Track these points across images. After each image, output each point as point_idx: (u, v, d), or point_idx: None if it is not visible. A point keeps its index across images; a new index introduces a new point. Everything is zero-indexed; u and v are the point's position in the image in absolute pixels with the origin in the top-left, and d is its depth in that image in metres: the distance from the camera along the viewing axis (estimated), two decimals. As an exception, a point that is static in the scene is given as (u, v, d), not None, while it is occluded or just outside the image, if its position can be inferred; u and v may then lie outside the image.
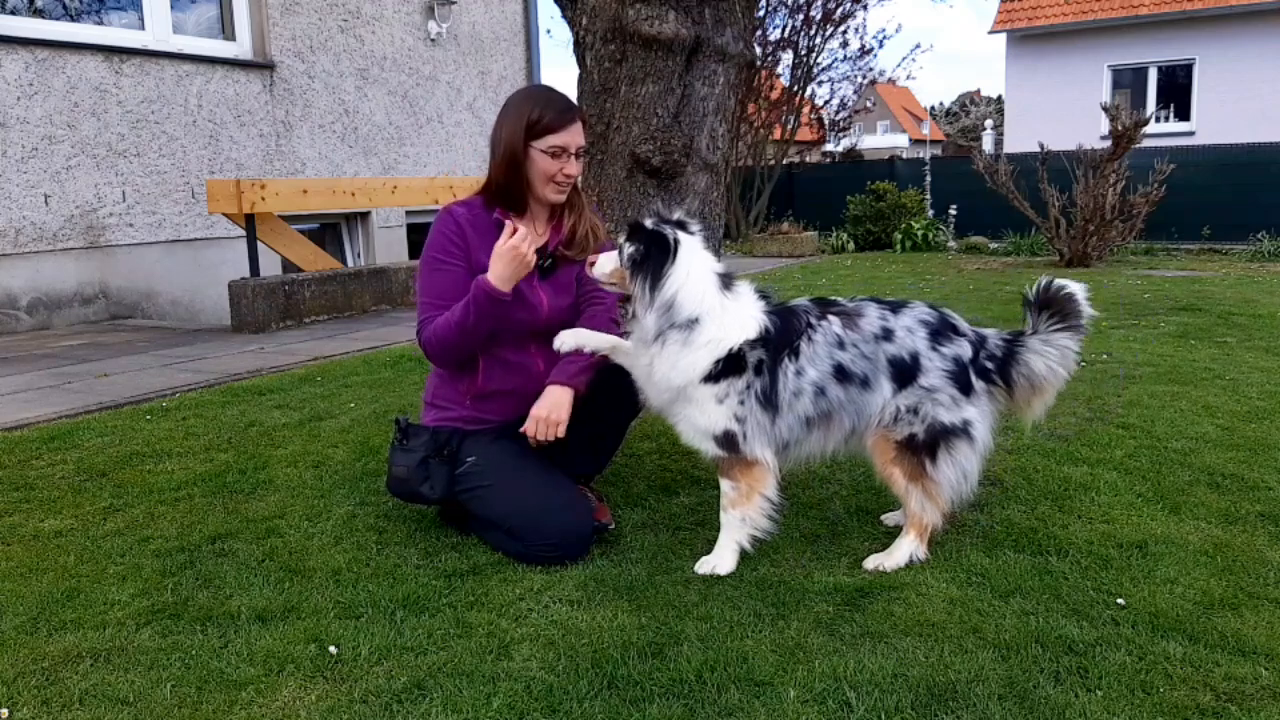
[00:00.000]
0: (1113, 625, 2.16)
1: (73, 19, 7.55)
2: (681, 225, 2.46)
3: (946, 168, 16.34)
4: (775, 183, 15.99)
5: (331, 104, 9.30)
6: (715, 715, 1.84)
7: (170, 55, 7.96)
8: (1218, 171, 13.50)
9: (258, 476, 3.35)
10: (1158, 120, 16.41)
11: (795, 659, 2.03)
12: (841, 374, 2.50)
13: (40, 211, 7.15)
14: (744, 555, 2.54)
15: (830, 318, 2.54)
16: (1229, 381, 4.54)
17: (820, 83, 16.86)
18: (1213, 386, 4.44)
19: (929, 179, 15.46)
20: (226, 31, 8.57)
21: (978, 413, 2.54)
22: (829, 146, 20.63)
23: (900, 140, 44.07)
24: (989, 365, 2.56)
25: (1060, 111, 17.49)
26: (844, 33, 15.98)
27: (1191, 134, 17.27)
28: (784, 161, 16.31)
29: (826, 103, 17.77)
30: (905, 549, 2.53)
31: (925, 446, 2.51)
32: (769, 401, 2.46)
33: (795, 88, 15.79)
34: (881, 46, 34.46)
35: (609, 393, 2.69)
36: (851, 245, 14.41)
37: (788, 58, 15.55)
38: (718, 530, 2.56)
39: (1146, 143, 11.41)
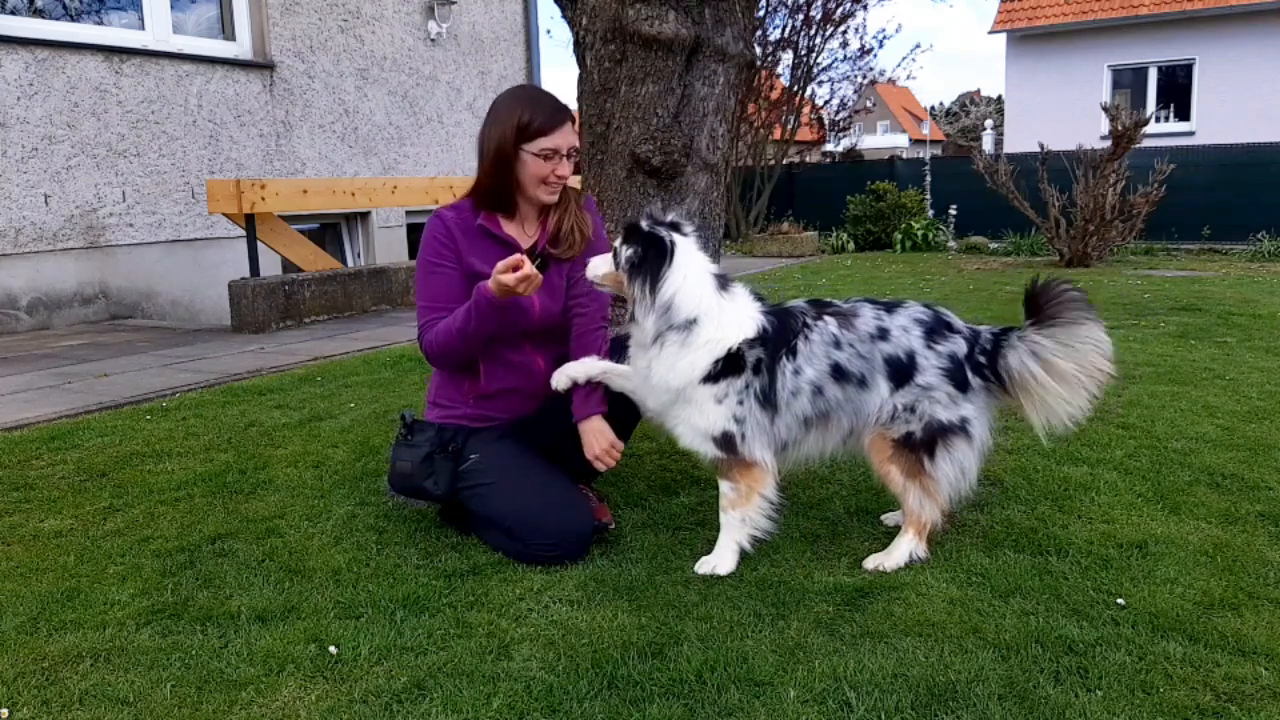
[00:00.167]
0: (1113, 625, 2.15)
1: (73, 19, 7.56)
2: (676, 227, 2.46)
3: (946, 168, 16.34)
4: (775, 183, 15.99)
5: (331, 104, 9.30)
6: (715, 715, 1.84)
7: (170, 55, 7.96)
8: (1218, 171, 13.50)
9: (258, 476, 3.35)
10: (1158, 120, 16.42)
11: (795, 659, 2.03)
12: (839, 373, 2.50)
13: (40, 211, 7.15)
14: (744, 555, 2.54)
15: (826, 318, 2.54)
16: (1229, 381, 4.54)
17: (820, 83, 16.89)
18: (1213, 386, 4.44)
19: (929, 179, 15.46)
20: (226, 31, 8.57)
21: (975, 409, 2.54)
22: (829, 146, 20.64)
23: (900, 140, 44.07)
24: (983, 360, 2.56)
25: (1060, 111, 17.50)
26: (844, 33, 16.00)
27: (1191, 134, 17.28)
28: (784, 161, 16.31)
29: (826, 103, 17.79)
30: (905, 547, 2.53)
31: (923, 444, 2.51)
32: (768, 401, 2.46)
33: (795, 88, 15.79)
34: (881, 46, 34.51)
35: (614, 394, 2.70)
36: (851, 245, 14.41)
37: (788, 58, 15.58)
38: (717, 530, 2.56)
39: (1146, 143, 11.41)
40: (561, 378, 2.70)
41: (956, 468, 2.53)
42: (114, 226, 7.63)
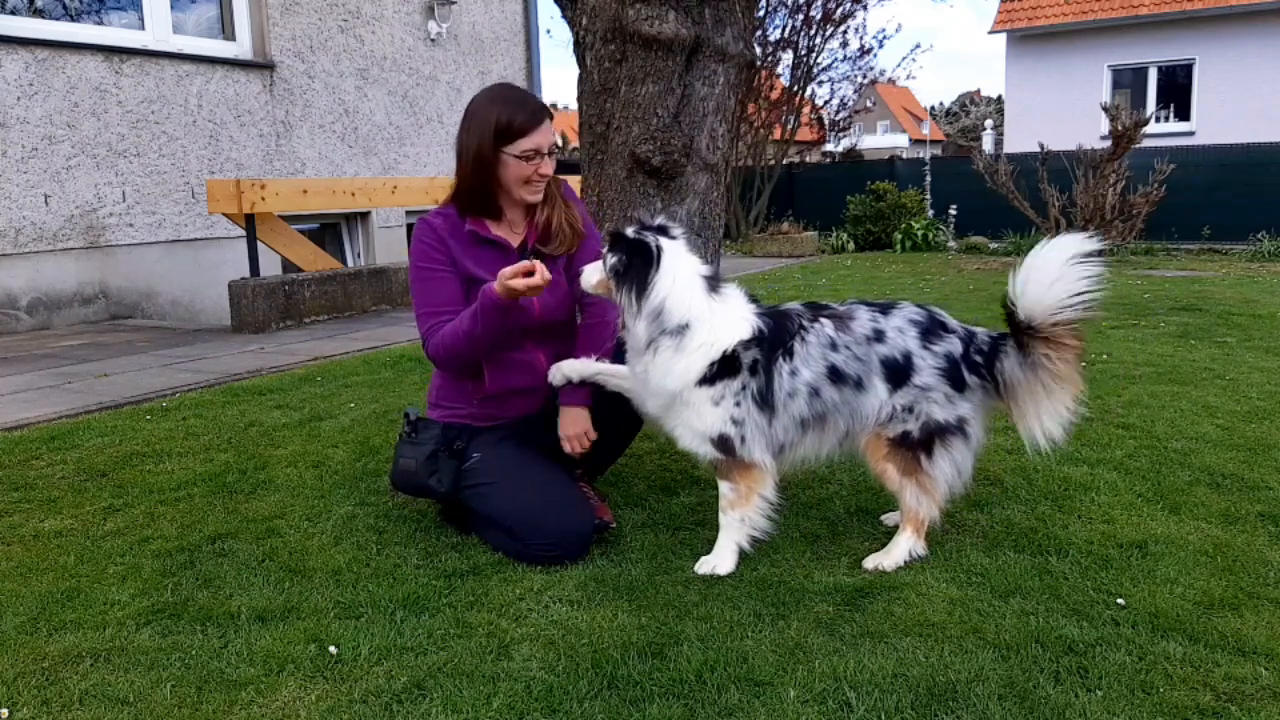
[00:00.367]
0: (1113, 625, 2.16)
1: (73, 19, 7.56)
2: (663, 230, 2.46)
3: (946, 168, 16.34)
4: (775, 183, 15.99)
5: (331, 104, 9.30)
6: (715, 715, 1.84)
7: (170, 55, 7.96)
8: (1218, 171, 13.50)
9: (258, 476, 3.35)
10: (1158, 120, 16.42)
11: (795, 659, 2.03)
12: (835, 375, 2.49)
13: (40, 211, 7.15)
14: (744, 555, 2.54)
15: (822, 320, 2.54)
16: (1229, 381, 4.54)
17: (820, 83, 16.88)
18: (1213, 386, 4.44)
19: (929, 179, 15.46)
20: (226, 31, 8.57)
21: (971, 408, 2.55)
22: (829, 146, 20.64)
23: (900, 140, 44.08)
24: (979, 360, 2.56)
25: (1060, 111, 17.50)
26: (844, 33, 15.99)
27: (1191, 134, 17.28)
28: (784, 161, 16.31)
29: (826, 103, 17.78)
30: (903, 546, 2.53)
31: (920, 443, 2.51)
32: (765, 401, 2.46)
33: (795, 88, 15.79)
34: (881, 46, 34.52)
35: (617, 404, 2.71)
36: (851, 245, 14.41)
37: (788, 58, 15.57)
38: (717, 530, 2.56)
39: (1146, 143, 11.42)
40: (557, 374, 2.71)
41: (953, 466, 2.54)
42: (114, 226, 7.63)
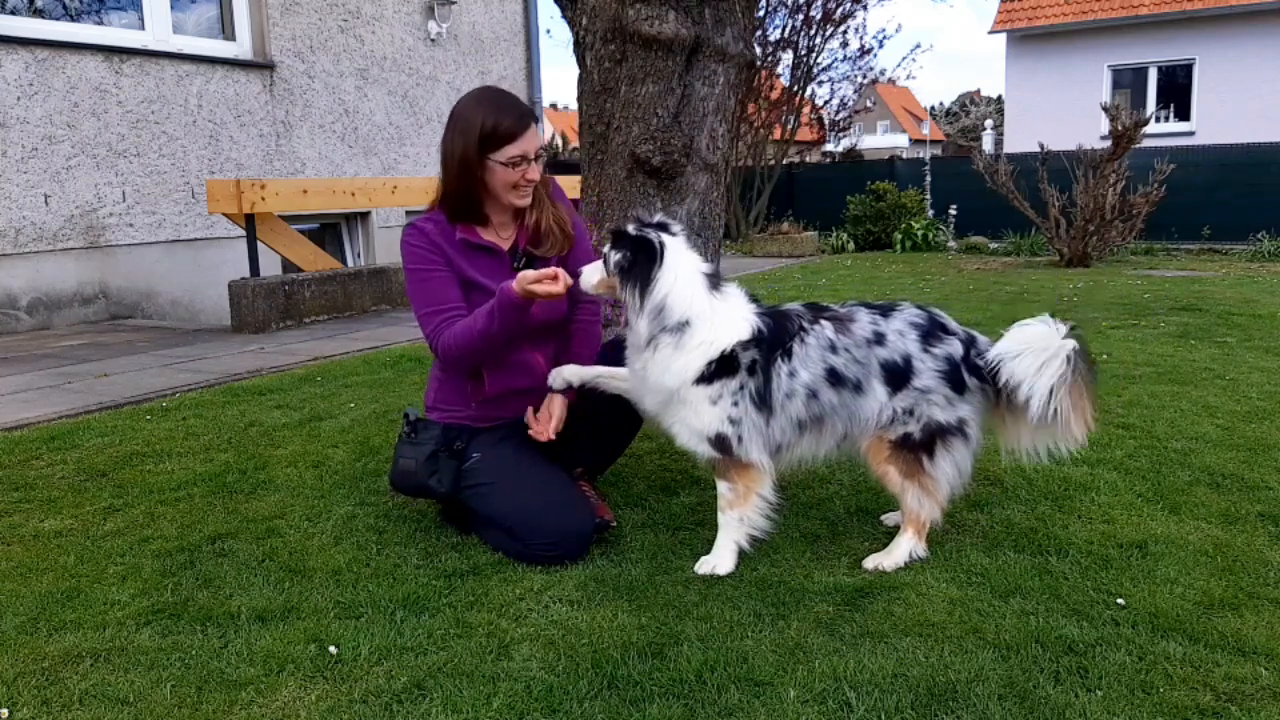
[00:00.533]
0: (1113, 625, 2.15)
1: (73, 19, 7.56)
2: (664, 227, 2.46)
3: (946, 168, 16.34)
4: (775, 183, 15.99)
5: (331, 104, 9.31)
6: (715, 715, 1.84)
7: (170, 55, 7.96)
8: (1218, 171, 13.50)
9: (258, 476, 3.35)
10: (1158, 120, 16.42)
11: (795, 659, 2.03)
12: (834, 377, 2.49)
13: (40, 211, 7.15)
14: (743, 555, 2.54)
15: (823, 322, 2.54)
16: (1229, 381, 4.54)
17: (820, 83, 16.88)
18: (1213, 386, 4.44)
19: (929, 179, 15.47)
20: (226, 31, 8.57)
21: (971, 410, 2.55)
22: (829, 146, 20.64)
23: (900, 140, 44.08)
24: (980, 363, 2.56)
25: (1060, 111, 17.50)
26: (844, 33, 16.00)
27: (1191, 134, 17.28)
28: (784, 161, 16.31)
29: (826, 103, 17.78)
30: (904, 547, 2.53)
31: (922, 445, 2.51)
32: (763, 402, 2.46)
33: (795, 88, 15.79)
34: (881, 46, 34.48)
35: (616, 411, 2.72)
36: (851, 245, 14.41)
37: (788, 58, 15.58)
38: (717, 530, 2.56)
39: (1146, 143, 11.41)
40: (558, 379, 2.71)
41: (954, 467, 2.54)
42: (114, 226, 7.63)
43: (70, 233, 7.35)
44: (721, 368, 2.43)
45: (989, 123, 29.97)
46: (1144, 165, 11.12)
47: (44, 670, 2.04)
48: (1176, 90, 18.19)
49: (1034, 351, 2.45)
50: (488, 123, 2.58)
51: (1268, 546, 2.59)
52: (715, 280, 2.49)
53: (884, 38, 31.70)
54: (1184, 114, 18.04)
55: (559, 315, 2.80)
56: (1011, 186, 11.28)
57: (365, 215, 9.72)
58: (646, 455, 3.50)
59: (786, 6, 14.95)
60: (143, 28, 7.91)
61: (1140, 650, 2.04)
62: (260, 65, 8.63)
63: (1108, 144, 10.75)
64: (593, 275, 2.52)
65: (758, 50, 13.98)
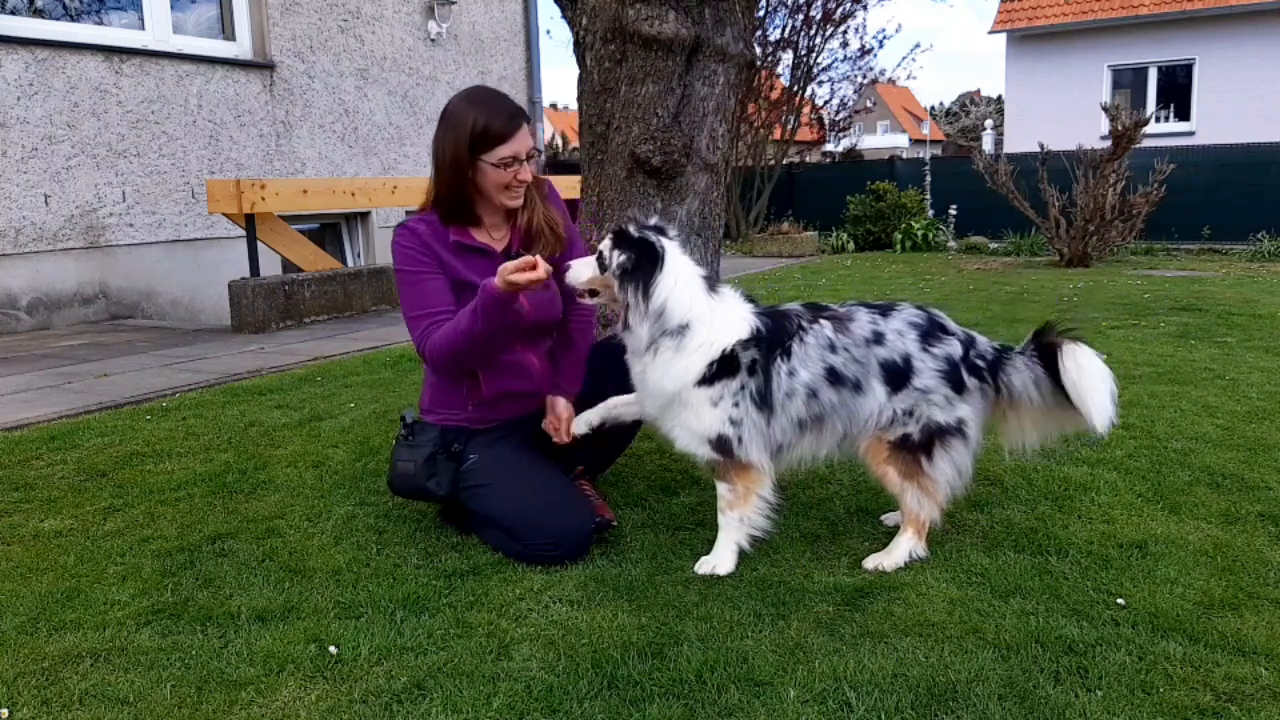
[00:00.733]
0: (1113, 625, 2.15)
1: (73, 19, 7.56)
2: (661, 231, 2.46)
3: (946, 168, 16.35)
4: (775, 183, 16.00)
5: (331, 104, 9.31)
6: (715, 715, 1.84)
7: (170, 55, 7.96)
8: (1218, 171, 13.50)
9: (258, 476, 3.35)
10: (1158, 120, 16.42)
11: (795, 659, 2.03)
12: (834, 377, 2.49)
13: (40, 211, 7.15)
14: (744, 555, 2.54)
15: (822, 321, 2.54)
16: (1229, 381, 4.54)
17: (820, 83, 16.90)
18: (1213, 386, 4.44)
19: (929, 179, 15.47)
20: (226, 31, 8.57)
21: (971, 410, 2.55)
22: (829, 146, 20.65)
23: (900, 140, 44.08)
24: (980, 363, 2.56)
25: (1060, 111, 17.50)
26: (844, 33, 16.01)
27: (1191, 134, 17.28)
28: (784, 161, 16.32)
29: (826, 103, 17.79)
30: (904, 547, 2.53)
31: (921, 445, 2.51)
32: (763, 401, 2.46)
33: (795, 88, 15.80)
34: (881, 46, 34.49)
35: (621, 389, 2.70)
36: (851, 245, 14.42)
37: (788, 58, 15.59)
38: (717, 530, 2.56)
39: (1146, 143, 11.41)
40: (582, 425, 2.73)
41: (954, 468, 2.54)
42: (114, 226, 7.63)
43: (70, 233, 7.35)
44: (722, 368, 2.43)
45: (989, 123, 29.97)
46: (1144, 165, 11.12)
47: (44, 670, 2.04)
48: (1176, 90, 18.19)
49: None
50: (479, 123, 2.57)
51: (1268, 546, 2.59)
52: (712, 282, 2.50)
53: (884, 38, 31.75)
54: (1184, 114, 18.04)
55: (553, 316, 2.80)
56: (1011, 186, 11.28)
57: (365, 215, 9.72)
58: (646, 455, 3.50)
59: (786, 6, 14.97)
60: (143, 28, 7.91)
61: (1140, 650, 2.04)
62: (260, 65, 8.63)
63: (1108, 144, 10.75)
64: (583, 271, 2.50)
65: (758, 50, 13.98)
